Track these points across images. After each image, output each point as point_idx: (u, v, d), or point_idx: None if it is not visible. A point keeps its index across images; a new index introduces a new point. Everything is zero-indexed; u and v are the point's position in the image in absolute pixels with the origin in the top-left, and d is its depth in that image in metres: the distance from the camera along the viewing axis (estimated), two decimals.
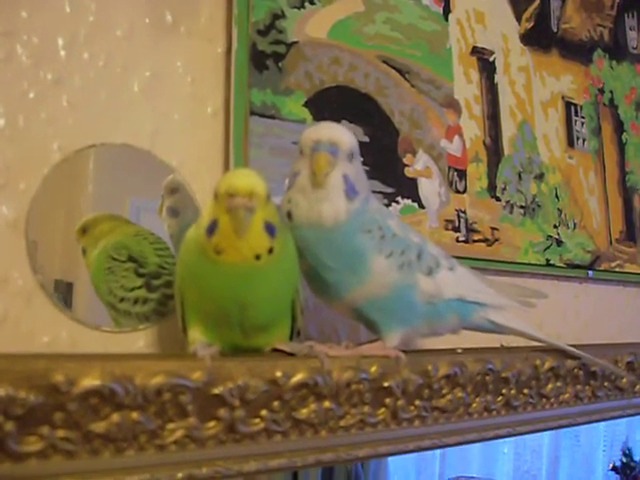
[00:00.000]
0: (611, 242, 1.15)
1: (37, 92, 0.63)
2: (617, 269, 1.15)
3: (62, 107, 0.64)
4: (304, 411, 0.58)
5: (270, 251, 0.53)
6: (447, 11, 0.96)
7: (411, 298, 0.63)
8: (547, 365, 0.79)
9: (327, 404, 0.59)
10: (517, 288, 0.75)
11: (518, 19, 1.07)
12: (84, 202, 0.67)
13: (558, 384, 0.81)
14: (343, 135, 0.59)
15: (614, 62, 1.24)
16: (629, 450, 1.37)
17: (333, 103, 0.80)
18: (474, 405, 0.72)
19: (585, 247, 1.10)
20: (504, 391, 0.75)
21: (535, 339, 0.75)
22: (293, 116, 0.76)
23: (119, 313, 0.68)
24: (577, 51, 1.17)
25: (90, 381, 0.46)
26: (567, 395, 0.83)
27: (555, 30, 1.14)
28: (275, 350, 0.60)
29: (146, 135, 0.69)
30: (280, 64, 0.76)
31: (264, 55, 0.75)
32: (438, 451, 1.13)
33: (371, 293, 0.61)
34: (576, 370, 0.83)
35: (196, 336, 0.57)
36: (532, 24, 1.10)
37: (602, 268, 1.12)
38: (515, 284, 0.77)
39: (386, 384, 0.63)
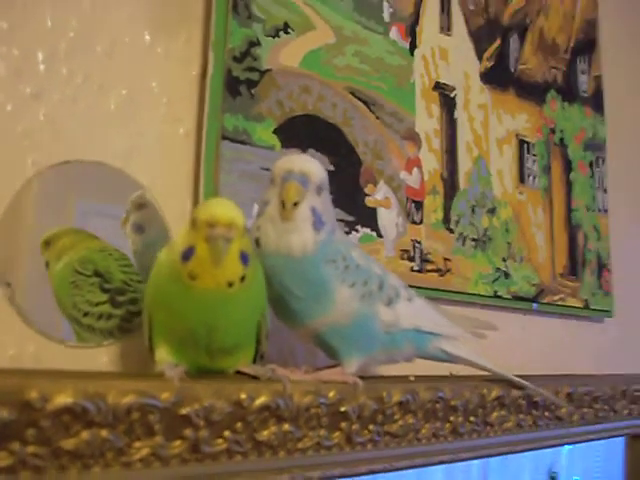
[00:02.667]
0: (555, 276, 1.20)
1: (14, 105, 0.64)
2: (559, 302, 1.20)
3: (39, 121, 0.65)
4: (265, 433, 0.59)
5: (242, 279, 0.55)
6: (413, 46, 1.00)
7: (371, 327, 0.65)
8: (493, 394, 0.82)
9: (287, 426, 0.61)
10: (469, 319, 0.78)
11: (479, 58, 1.12)
12: (53, 218, 0.68)
13: (502, 412, 0.84)
14: (314, 167, 0.62)
15: (566, 103, 1.30)
16: (555, 474, 1.41)
17: (301, 131, 0.83)
18: (423, 431, 0.75)
19: (530, 280, 1.15)
20: (452, 418, 0.78)
21: (484, 369, 0.78)
22: (263, 142, 0.79)
23: (82, 327, 0.68)
24: (532, 91, 1.22)
25: (64, 398, 0.47)
26: (510, 423, 0.87)
27: (513, 70, 1.19)
28: (238, 372, 0.61)
29: (120, 153, 0.70)
30: (253, 91, 0.78)
31: (238, 81, 0.77)
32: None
33: (334, 321, 0.63)
34: (519, 400, 0.87)
35: (163, 356, 0.58)
36: (492, 63, 1.15)
37: (546, 301, 1.17)
38: (467, 315, 0.80)
39: (343, 409, 0.65)
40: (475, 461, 1.30)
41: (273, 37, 0.81)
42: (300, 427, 0.62)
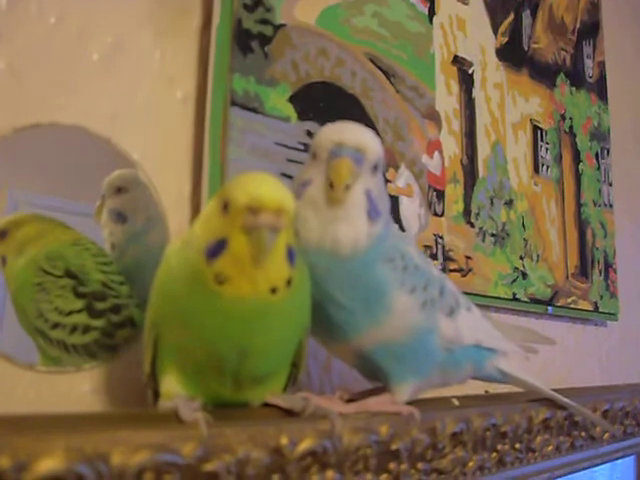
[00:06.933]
0: (567, 277, 1.09)
1: None
2: (572, 305, 1.09)
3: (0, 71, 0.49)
4: None
5: (288, 283, 0.41)
6: (432, 13, 0.87)
7: (430, 344, 0.52)
8: (540, 417, 0.70)
9: (330, 474, 0.47)
10: (522, 331, 0.66)
11: (495, 32, 1.00)
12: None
13: (546, 436, 0.72)
14: (371, 141, 0.48)
15: (574, 88, 1.19)
16: None
17: (319, 101, 0.69)
18: (470, 464, 0.62)
19: (546, 281, 1.03)
20: (499, 447, 0.65)
21: (536, 390, 0.66)
22: (277, 112, 0.64)
23: (50, 344, 0.53)
24: (544, 73, 1.11)
25: (51, 464, 0.31)
26: (550, 447, 0.75)
27: (526, 49, 1.07)
28: (266, 405, 0.47)
29: (104, 117, 0.54)
30: (266, 48, 0.64)
31: (249, 35, 0.62)
32: None
33: (387, 336, 0.49)
34: (562, 421, 0.75)
35: (172, 387, 0.43)
36: (507, 39, 1.02)
37: (560, 304, 1.06)
38: (519, 326, 0.67)
39: (394, 447, 0.51)
40: None
41: None
42: (344, 473, 0.48)
